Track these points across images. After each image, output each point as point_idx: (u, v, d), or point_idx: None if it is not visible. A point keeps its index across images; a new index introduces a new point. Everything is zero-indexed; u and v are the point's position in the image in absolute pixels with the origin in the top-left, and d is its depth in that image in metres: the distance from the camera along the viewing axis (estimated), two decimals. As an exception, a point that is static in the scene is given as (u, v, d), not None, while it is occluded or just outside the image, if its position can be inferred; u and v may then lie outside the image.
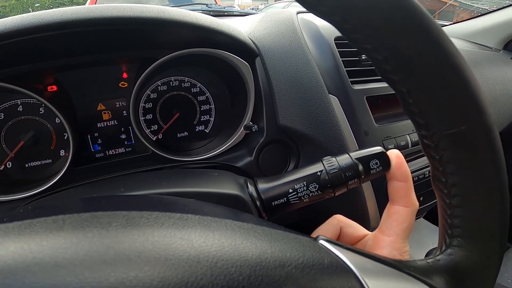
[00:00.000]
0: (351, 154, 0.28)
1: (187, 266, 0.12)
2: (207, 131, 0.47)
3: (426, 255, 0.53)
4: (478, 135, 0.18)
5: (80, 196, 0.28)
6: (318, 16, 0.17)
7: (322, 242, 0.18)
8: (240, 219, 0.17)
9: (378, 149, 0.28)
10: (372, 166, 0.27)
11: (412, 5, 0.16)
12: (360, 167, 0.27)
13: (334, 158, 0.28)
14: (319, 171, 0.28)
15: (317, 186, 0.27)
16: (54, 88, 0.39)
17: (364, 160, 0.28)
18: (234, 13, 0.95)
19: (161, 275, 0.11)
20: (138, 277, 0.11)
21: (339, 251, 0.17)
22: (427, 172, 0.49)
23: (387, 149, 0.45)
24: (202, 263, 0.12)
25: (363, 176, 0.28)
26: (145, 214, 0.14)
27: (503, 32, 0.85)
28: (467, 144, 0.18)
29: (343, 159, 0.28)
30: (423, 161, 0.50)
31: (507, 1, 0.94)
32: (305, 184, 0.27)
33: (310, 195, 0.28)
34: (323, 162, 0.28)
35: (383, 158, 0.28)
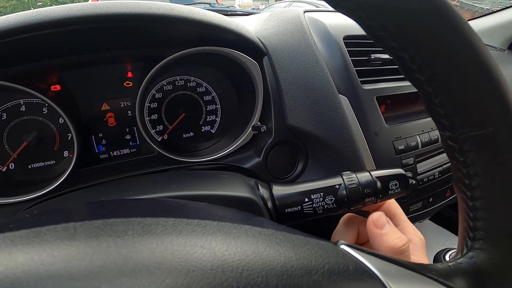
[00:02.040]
0: (371, 172, 0.28)
1: (211, 277, 0.11)
2: (214, 132, 0.46)
3: (435, 258, 0.53)
4: (506, 137, 0.17)
5: (87, 199, 0.28)
6: (342, 13, 0.17)
7: (343, 247, 0.18)
8: (257, 224, 0.16)
9: (399, 171, 0.29)
10: (391, 187, 0.28)
11: (441, 2, 0.15)
12: (379, 186, 0.28)
13: (354, 174, 0.29)
14: (338, 185, 0.28)
15: (334, 199, 0.28)
16: (58, 87, 0.38)
17: (384, 179, 0.28)
18: (237, 12, 0.95)
19: (184, 288, 0.10)
20: (159, 290, 0.10)
21: (362, 256, 0.17)
22: (437, 173, 0.48)
23: (397, 150, 0.44)
24: (226, 273, 0.11)
25: (381, 195, 0.28)
26: (161, 221, 0.13)
27: (508, 32, 0.85)
28: (494, 146, 0.17)
29: (363, 176, 0.28)
30: (433, 162, 0.49)
31: (509, 1, 0.94)
32: (321, 196, 0.27)
33: (325, 207, 0.28)
34: (343, 176, 0.29)
35: (403, 180, 0.29)
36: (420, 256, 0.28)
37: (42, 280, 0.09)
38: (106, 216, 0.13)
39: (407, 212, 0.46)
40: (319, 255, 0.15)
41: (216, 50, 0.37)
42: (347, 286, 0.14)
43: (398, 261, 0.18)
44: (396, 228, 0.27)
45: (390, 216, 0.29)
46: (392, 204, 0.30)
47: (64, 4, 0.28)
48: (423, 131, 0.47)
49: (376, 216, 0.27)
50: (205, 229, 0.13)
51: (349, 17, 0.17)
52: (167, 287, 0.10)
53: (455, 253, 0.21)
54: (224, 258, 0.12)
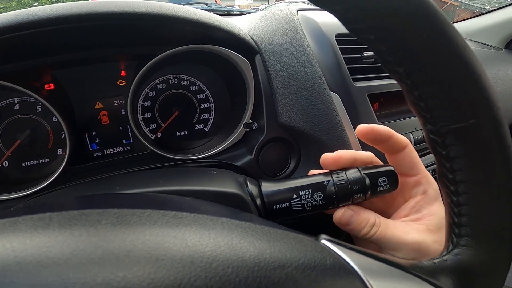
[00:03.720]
0: (360, 169, 0.28)
1: (180, 267, 0.11)
2: (207, 130, 0.46)
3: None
4: (486, 130, 0.17)
5: (75, 195, 0.28)
6: (318, 6, 0.17)
7: (324, 242, 0.17)
8: (238, 218, 0.16)
9: (388, 167, 0.29)
10: (380, 184, 0.28)
11: None
12: (368, 183, 0.28)
13: (343, 171, 0.29)
14: (326, 181, 0.28)
15: (322, 195, 0.28)
16: (52, 86, 0.38)
17: (373, 176, 0.28)
18: (235, 12, 0.95)
19: (151, 276, 0.10)
20: (126, 277, 0.10)
21: (342, 251, 0.17)
22: (431, 171, 0.48)
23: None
24: (196, 263, 0.11)
25: (369, 192, 0.28)
26: (137, 212, 0.13)
27: (505, 31, 0.85)
28: (475, 138, 0.17)
29: (352, 173, 0.28)
30: (427, 159, 0.49)
31: (507, 0, 0.94)
32: (310, 192, 0.28)
33: (314, 203, 0.28)
34: (332, 173, 0.29)
35: (392, 177, 0.29)
36: (430, 209, 0.28)
37: (10, 265, 0.10)
38: (84, 208, 0.14)
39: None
40: (295, 248, 0.15)
41: (208, 48, 0.37)
42: (323, 281, 0.14)
43: (381, 257, 0.18)
44: (361, 214, 0.27)
45: (410, 165, 0.29)
46: (413, 152, 0.30)
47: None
48: (415, 128, 0.47)
49: (339, 216, 0.28)
50: (181, 220, 0.13)
51: (327, 11, 0.17)
52: (134, 275, 0.10)
53: None
54: (195, 248, 0.12)
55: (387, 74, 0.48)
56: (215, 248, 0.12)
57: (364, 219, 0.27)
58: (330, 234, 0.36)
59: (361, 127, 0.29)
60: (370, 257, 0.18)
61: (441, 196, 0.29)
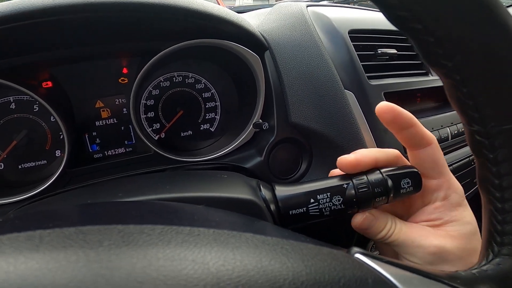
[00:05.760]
0: (382, 170, 0.27)
1: None
2: (213, 130, 0.44)
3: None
4: None
5: (73, 201, 0.26)
6: None
7: (358, 256, 0.16)
8: (260, 231, 0.14)
9: (411, 168, 0.27)
10: (403, 186, 0.26)
11: None
12: (390, 185, 0.26)
13: (364, 173, 0.27)
14: (346, 184, 0.26)
15: (341, 199, 0.26)
16: (49, 84, 0.36)
17: (395, 177, 0.26)
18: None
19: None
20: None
21: (380, 266, 0.15)
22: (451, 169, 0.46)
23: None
24: None
25: (392, 195, 0.26)
26: (146, 229, 0.11)
27: None
28: None
29: (373, 174, 0.26)
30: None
31: (509, 1, 0.93)
32: (328, 196, 0.26)
33: (332, 208, 0.26)
34: (351, 174, 0.27)
35: (416, 178, 0.27)
36: (451, 215, 0.27)
37: None
38: (82, 223, 0.11)
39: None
40: (332, 267, 0.13)
41: (215, 42, 0.35)
42: None
43: (420, 270, 0.17)
44: (380, 218, 0.26)
45: (433, 165, 0.27)
46: (437, 151, 0.27)
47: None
48: (432, 128, 0.45)
49: (359, 222, 0.27)
50: (199, 238, 0.11)
51: None
52: (147, 315, 0.08)
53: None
54: (220, 274, 0.10)
55: (403, 72, 0.46)
56: (244, 273, 0.10)
57: (383, 222, 0.27)
58: (338, 235, 0.33)
59: (382, 104, 0.26)
60: (408, 270, 0.16)
61: (464, 199, 0.28)
